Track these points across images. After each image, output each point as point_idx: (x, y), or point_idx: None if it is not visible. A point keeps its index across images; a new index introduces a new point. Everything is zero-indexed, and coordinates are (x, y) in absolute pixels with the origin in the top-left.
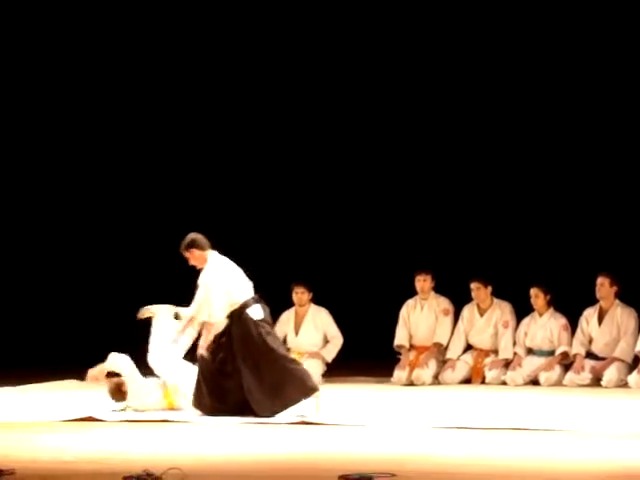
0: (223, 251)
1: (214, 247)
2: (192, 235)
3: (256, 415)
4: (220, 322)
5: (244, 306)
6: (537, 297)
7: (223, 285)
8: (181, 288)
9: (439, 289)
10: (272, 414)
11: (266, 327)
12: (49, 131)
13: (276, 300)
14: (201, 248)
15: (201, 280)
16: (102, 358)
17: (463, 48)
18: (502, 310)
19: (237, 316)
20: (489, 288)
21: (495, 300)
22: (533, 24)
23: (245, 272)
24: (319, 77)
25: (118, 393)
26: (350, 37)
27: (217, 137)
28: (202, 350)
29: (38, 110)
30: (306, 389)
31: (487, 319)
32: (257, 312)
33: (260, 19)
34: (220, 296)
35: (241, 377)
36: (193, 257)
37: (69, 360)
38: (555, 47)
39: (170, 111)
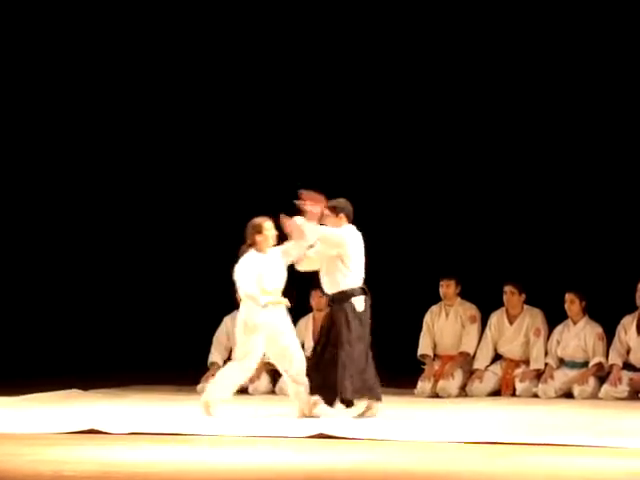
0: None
1: None
2: (341, 202)
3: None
4: None
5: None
6: (572, 303)
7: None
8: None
9: (466, 295)
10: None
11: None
12: (48, 132)
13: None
14: (336, 214)
15: None
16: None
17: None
18: (533, 318)
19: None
20: (523, 296)
21: (526, 307)
22: (540, 15)
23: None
24: (332, 76)
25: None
26: (355, 33)
27: (219, 135)
28: None
29: (37, 110)
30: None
31: (517, 327)
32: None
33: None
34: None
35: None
36: (328, 219)
37: (73, 370)
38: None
39: (168, 110)
